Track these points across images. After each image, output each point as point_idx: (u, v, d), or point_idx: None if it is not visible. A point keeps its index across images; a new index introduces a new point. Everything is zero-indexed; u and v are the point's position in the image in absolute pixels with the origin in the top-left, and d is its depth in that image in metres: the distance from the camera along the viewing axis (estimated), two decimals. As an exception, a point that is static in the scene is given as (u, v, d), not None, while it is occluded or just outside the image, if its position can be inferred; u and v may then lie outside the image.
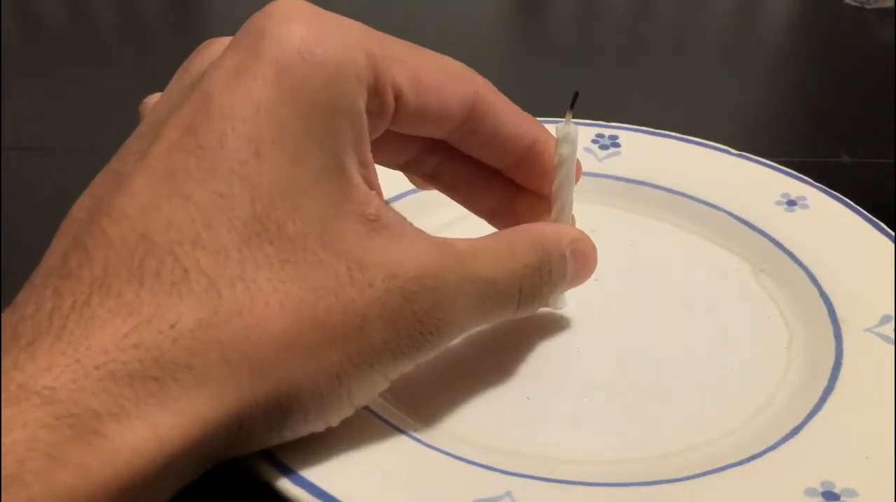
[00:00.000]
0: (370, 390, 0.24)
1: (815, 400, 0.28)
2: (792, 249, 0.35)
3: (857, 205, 0.37)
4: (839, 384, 0.29)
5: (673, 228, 0.38)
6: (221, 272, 0.21)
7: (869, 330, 0.31)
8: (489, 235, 0.28)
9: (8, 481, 0.17)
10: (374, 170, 0.25)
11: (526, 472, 0.25)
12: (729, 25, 0.68)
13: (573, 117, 0.29)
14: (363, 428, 0.26)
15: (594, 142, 0.41)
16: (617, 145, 0.41)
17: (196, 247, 0.21)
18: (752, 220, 0.37)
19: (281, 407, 0.22)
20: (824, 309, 0.32)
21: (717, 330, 0.33)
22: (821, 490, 0.24)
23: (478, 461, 0.26)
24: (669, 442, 0.28)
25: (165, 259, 0.20)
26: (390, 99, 0.25)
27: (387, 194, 0.38)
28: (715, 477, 0.25)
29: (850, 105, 0.54)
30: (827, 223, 0.36)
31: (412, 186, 0.38)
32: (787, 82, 0.59)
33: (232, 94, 0.22)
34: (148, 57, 0.59)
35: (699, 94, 0.55)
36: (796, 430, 0.27)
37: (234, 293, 0.21)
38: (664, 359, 0.31)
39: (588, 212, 0.38)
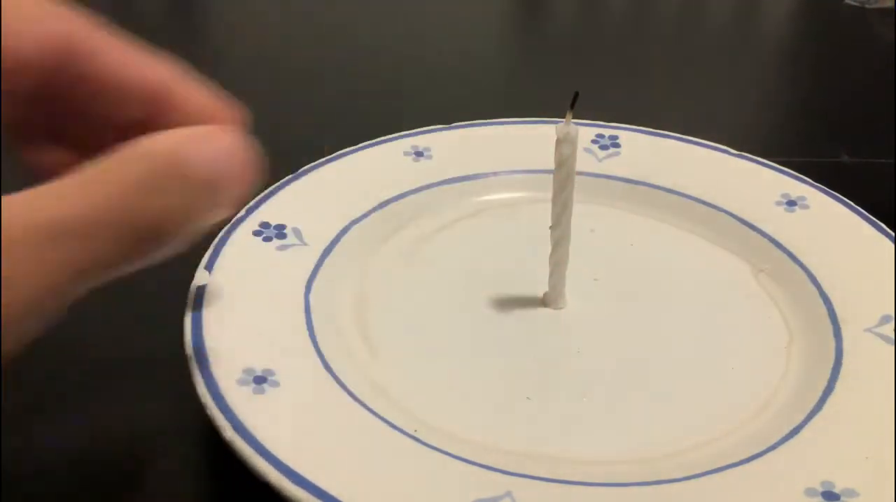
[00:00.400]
0: None
1: (815, 400, 0.28)
2: (792, 249, 0.35)
3: (857, 205, 0.37)
4: (839, 384, 0.29)
5: (673, 228, 0.38)
6: None
7: (869, 330, 0.31)
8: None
9: None
10: None
11: (526, 472, 0.25)
12: (729, 25, 0.68)
13: (573, 117, 0.29)
14: (363, 428, 0.26)
15: (594, 142, 0.41)
16: (617, 145, 0.41)
17: None
18: (751, 220, 0.37)
19: None
20: (824, 309, 0.32)
21: (717, 330, 0.33)
22: (821, 490, 0.24)
23: (478, 461, 0.26)
24: (669, 443, 0.28)
25: None
26: None
27: (386, 194, 0.38)
28: (715, 476, 0.25)
29: (850, 105, 0.54)
30: (827, 223, 0.36)
31: (410, 187, 0.38)
32: (787, 82, 0.59)
33: None
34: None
35: (699, 94, 0.55)
36: (796, 430, 0.27)
37: None
38: (664, 359, 0.31)
39: (588, 212, 0.38)
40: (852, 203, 0.37)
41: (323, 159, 0.39)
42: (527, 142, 0.41)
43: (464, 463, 0.25)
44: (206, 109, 0.26)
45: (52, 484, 0.27)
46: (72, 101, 0.25)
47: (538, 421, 0.28)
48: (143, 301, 0.35)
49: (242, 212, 0.35)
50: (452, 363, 0.31)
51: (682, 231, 0.38)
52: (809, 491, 0.24)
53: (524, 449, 0.27)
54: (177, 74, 0.25)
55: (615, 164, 0.40)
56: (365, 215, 0.37)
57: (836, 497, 0.24)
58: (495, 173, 0.40)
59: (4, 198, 0.19)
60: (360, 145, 0.40)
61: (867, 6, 0.70)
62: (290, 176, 0.37)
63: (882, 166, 0.46)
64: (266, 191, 0.36)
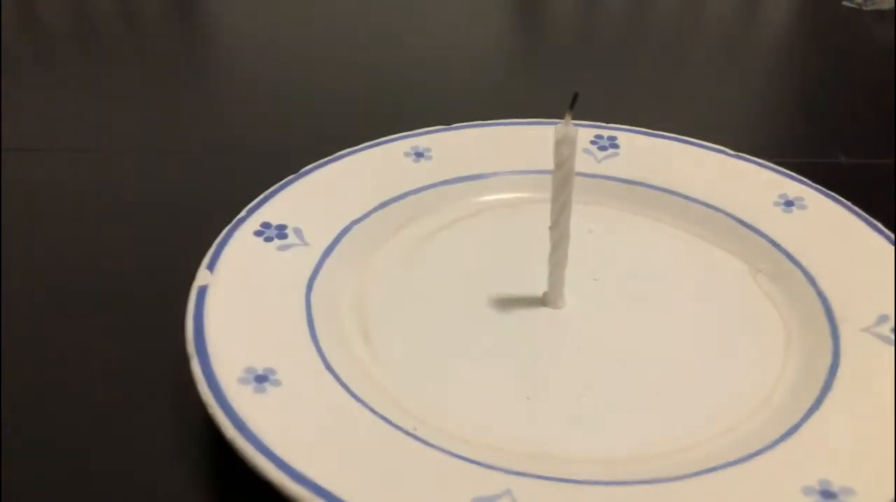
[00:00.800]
0: None
1: (813, 399, 0.28)
2: (789, 250, 0.35)
3: (855, 205, 0.37)
4: (836, 383, 0.29)
5: (671, 229, 0.38)
6: None
7: (866, 329, 0.31)
8: None
9: None
10: None
11: (526, 471, 0.25)
12: (728, 26, 0.69)
13: (572, 118, 0.29)
14: (363, 427, 0.27)
15: (593, 142, 0.41)
16: (616, 146, 0.41)
17: None
18: (749, 221, 0.37)
19: None
20: (822, 308, 0.32)
21: (715, 330, 0.33)
22: (818, 488, 0.25)
23: (477, 459, 0.26)
24: (668, 442, 0.28)
25: None
26: None
27: (386, 195, 0.38)
28: (713, 475, 0.26)
29: (849, 106, 0.54)
30: (824, 223, 0.36)
31: (411, 187, 0.39)
32: (786, 83, 0.59)
33: None
34: (148, 57, 0.59)
35: (698, 94, 0.56)
36: (794, 429, 0.27)
37: None
38: (663, 359, 0.31)
39: (587, 213, 0.38)
40: (850, 203, 0.37)
41: (323, 160, 0.39)
42: (526, 142, 0.41)
43: (464, 462, 0.26)
44: None
45: (52, 484, 0.27)
46: None
47: (538, 420, 0.29)
48: (144, 301, 0.35)
49: (243, 213, 0.35)
50: (452, 363, 0.31)
51: (680, 231, 0.38)
52: (807, 490, 0.25)
53: (524, 447, 0.27)
54: None
55: (614, 165, 0.40)
56: (365, 215, 0.37)
57: (834, 495, 0.24)
58: (495, 173, 0.40)
59: None
60: (361, 146, 0.40)
61: (865, 8, 0.70)
62: (291, 176, 0.38)
63: (880, 167, 0.46)
64: (267, 192, 0.36)
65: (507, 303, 0.33)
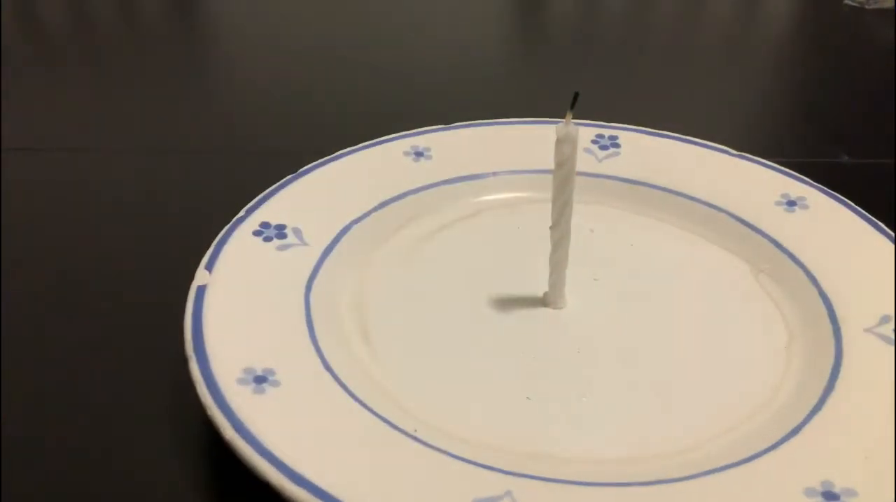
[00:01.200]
0: None
1: (815, 400, 0.28)
2: (792, 249, 0.35)
3: (857, 205, 0.37)
4: (839, 384, 0.29)
5: (673, 228, 0.38)
6: None
7: (868, 330, 0.31)
8: None
9: None
10: None
11: (526, 472, 0.25)
12: (729, 26, 0.68)
13: (573, 117, 0.29)
14: (363, 427, 0.26)
15: (594, 142, 0.41)
16: (617, 145, 0.41)
17: None
18: (751, 221, 0.37)
19: None
20: (824, 309, 0.32)
21: (717, 330, 0.33)
22: (820, 489, 0.24)
23: (478, 460, 0.26)
24: (669, 442, 0.28)
25: None
26: None
27: (386, 195, 0.38)
28: (715, 476, 0.25)
29: (850, 105, 0.54)
30: (827, 223, 0.36)
31: (410, 187, 0.38)
32: (787, 82, 0.59)
33: None
34: (147, 57, 0.59)
35: (699, 94, 0.55)
36: (796, 430, 0.27)
37: None
38: (664, 359, 0.31)
39: (588, 212, 0.38)
40: (852, 203, 0.37)
41: (323, 159, 0.39)
42: (527, 142, 0.41)
43: (463, 463, 0.25)
44: None
45: (52, 484, 0.27)
46: None
47: (538, 421, 0.28)
48: (143, 301, 0.35)
49: (242, 213, 0.35)
50: (452, 363, 0.31)
51: (682, 231, 0.38)
52: (809, 491, 0.24)
53: (524, 448, 0.27)
54: None
55: (615, 164, 0.40)
56: (365, 215, 0.37)
57: (836, 496, 0.24)
58: (495, 173, 0.40)
59: None
60: (360, 145, 0.40)
61: (867, 7, 0.70)
62: (291, 176, 0.37)
63: (882, 166, 0.46)
64: (266, 192, 0.36)
65: (508, 303, 0.33)
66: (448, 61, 0.59)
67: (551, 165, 0.31)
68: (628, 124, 0.42)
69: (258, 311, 0.30)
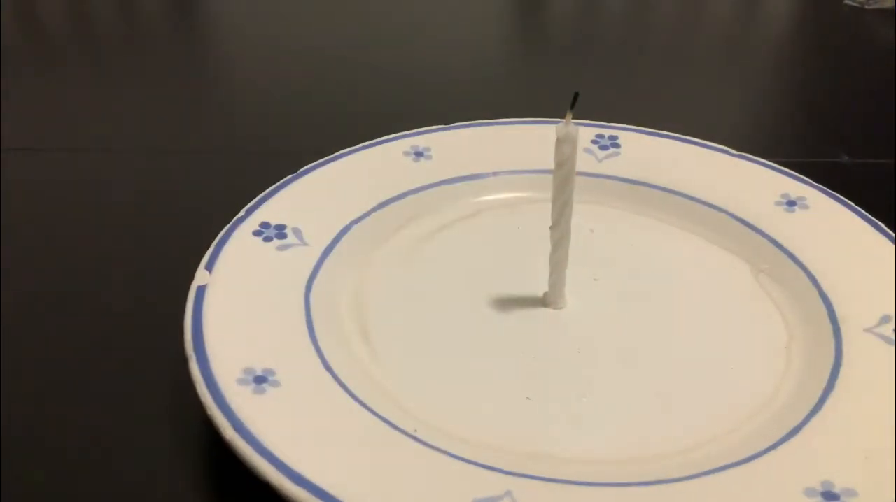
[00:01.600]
0: None
1: (815, 400, 0.28)
2: (792, 249, 0.35)
3: (857, 205, 0.37)
4: (839, 384, 0.29)
5: (673, 228, 0.38)
6: None
7: (868, 330, 0.31)
8: None
9: None
10: None
11: (526, 472, 0.25)
12: (729, 26, 0.68)
13: (573, 117, 0.29)
14: (363, 428, 0.26)
15: (594, 142, 0.41)
16: (617, 145, 0.41)
17: None
18: (751, 221, 0.37)
19: None
20: (824, 309, 0.32)
21: (717, 330, 0.33)
22: (820, 489, 0.24)
23: (477, 461, 0.26)
24: (669, 442, 0.28)
25: None
26: None
27: (386, 195, 0.38)
28: (715, 476, 0.25)
29: (850, 105, 0.54)
30: (827, 223, 0.36)
31: (410, 187, 0.38)
32: (787, 82, 0.59)
33: None
34: (148, 57, 0.59)
35: (699, 94, 0.55)
36: (796, 430, 0.27)
37: None
38: (664, 359, 0.31)
39: (588, 212, 0.38)
40: (852, 203, 0.37)
41: (323, 159, 0.39)
42: (527, 142, 0.41)
43: (463, 463, 0.25)
44: None
45: (52, 484, 0.27)
46: None
47: (538, 421, 0.28)
48: (143, 301, 0.35)
49: (242, 213, 0.35)
50: (452, 363, 0.31)
51: (682, 231, 0.38)
52: (809, 491, 0.24)
53: (524, 448, 0.27)
54: None
55: (615, 164, 0.40)
56: (365, 215, 0.37)
57: (836, 496, 0.24)
58: (495, 173, 0.40)
59: None
60: (360, 145, 0.40)
61: (867, 6, 0.70)
62: (291, 176, 0.37)
63: (882, 166, 0.46)
64: (266, 192, 0.36)
65: (508, 303, 0.33)
66: (448, 61, 0.59)
67: (551, 165, 0.31)
68: (628, 124, 0.42)
69: (258, 311, 0.30)
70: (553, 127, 0.30)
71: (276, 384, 0.27)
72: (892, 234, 0.35)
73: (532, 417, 0.29)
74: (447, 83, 0.55)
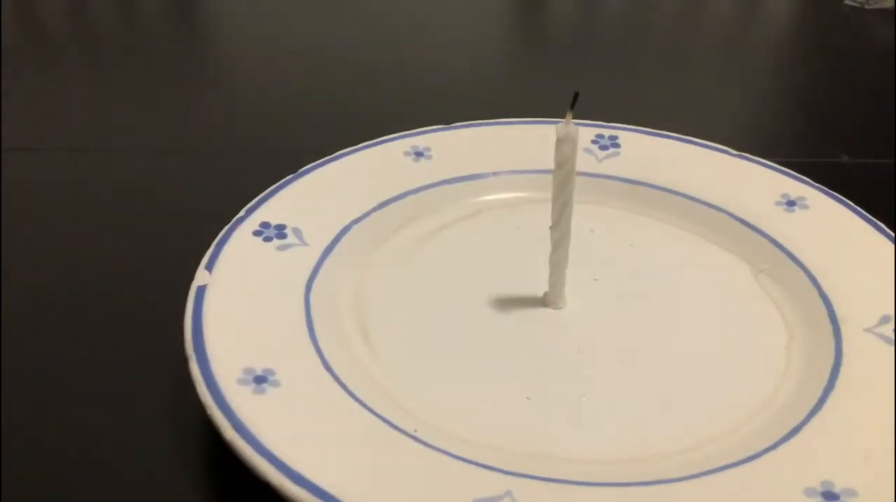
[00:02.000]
0: None
1: (815, 400, 0.28)
2: (792, 249, 0.35)
3: (857, 205, 0.37)
4: (839, 384, 0.29)
5: (673, 228, 0.38)
6: None
7: (868, 330, 0.31)
8: None
9: None
10: None
11: (526, 472, 0.25)
12: (729, 26, 0.68)
13: (573, 117, 0.29)
14: (363, 428, 0.26)
15: (594, 142, 0.41)
16: (617, 145, 0.41)
17: None
18: (751, 221, 0.37)
19: None
20: (824, 309, 0.32)
21: (716, 330, 0.33)
22: (820, 489, 0.24)
23: (477, 460, 0.26)
24: (669, 442, 0.28)
25: None
26: None
27: (386, 195, 0.38)
28: (715, 476, 0.25)
29: (850, 105, 0.54)
30: (826, 223, 0.36)
31: (410, 187, 0.38)
32: (787, 82, 0.59)
33: None
34: (148, 57, 0.59)
35: (699, 94, 0.55)
36: (796, 430, 0.27)
37: None
38: (664, 359, 0.31)
39: (588, 212, 0.38)
40: (852, 203, 0.37)
41: (323, 159, 0.39)
42: (527, 142, 0.41)
43: (463, 463, 0.25)
44: None
45: (52, 484, 0.27)
46: None
47: (538, 421, 0.28)
48: (143, 301, 0.35)
49: (242, 213, 0.35)
50: (452, 363, 0.31)
51: (682, 231, 0.38)
52: (809, 491, 0.24)
53: (524, 448, 0.27)
54: None
55: (615, 165, 0.40)
56: (365, 215, 0.37)
57: (836, 496, 0.24)
58: (495, 173, 0.40)
59: None
60: (360, 145, 0.40)
61: (867, 6, 0.70)
62: (291, 176, 0.37)
63: (882, 166, 0.46)
64: (266, 192, 0.36)
65: (508, 303, 0.33)
66: (448, 61, 0.59)
67: (551, 165, 0.31)
68: (628, 124, 0.42)
69: (258, 311, 0.30)
70: (553, 127, 0.30)
71: (276, 384, 0.27)
72: (892, 234, 0.35)
73: (532, 417, 0.29)
74: (447, 83, 0.55)
